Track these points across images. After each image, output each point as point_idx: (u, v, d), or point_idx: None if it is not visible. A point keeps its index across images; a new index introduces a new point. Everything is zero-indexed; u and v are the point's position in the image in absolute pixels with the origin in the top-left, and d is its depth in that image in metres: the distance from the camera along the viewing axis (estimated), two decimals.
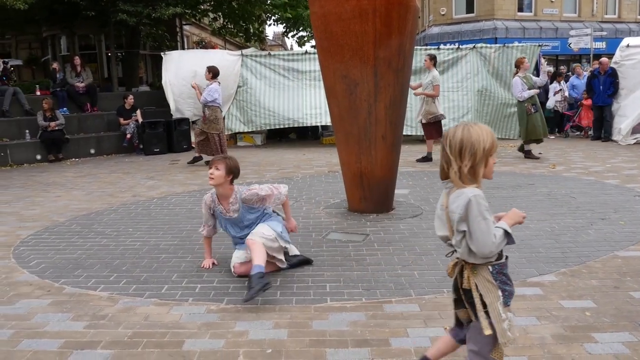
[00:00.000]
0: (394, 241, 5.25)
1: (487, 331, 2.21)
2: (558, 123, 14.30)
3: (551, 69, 17.81)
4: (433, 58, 10.22)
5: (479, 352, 2.31)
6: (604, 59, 12.16)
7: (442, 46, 13.54)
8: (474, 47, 12.88)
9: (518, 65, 9.78)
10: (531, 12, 25.78)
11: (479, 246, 2.12)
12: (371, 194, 6.27)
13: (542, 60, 12.52)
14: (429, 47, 14.94)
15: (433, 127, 9.94)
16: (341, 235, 5.55)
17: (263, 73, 13.03)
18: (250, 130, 13.26)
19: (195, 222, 6.09)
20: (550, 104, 14.22)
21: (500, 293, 2.23)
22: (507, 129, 13.08)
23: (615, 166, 8.95)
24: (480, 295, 2.21)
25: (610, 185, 7.51)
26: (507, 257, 2.32)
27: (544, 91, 13.33)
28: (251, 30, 19.19)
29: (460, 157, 2.13)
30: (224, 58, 13.19)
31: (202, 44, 24.39)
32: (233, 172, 4.32)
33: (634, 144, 11.48)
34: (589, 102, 12.78)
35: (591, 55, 17.73)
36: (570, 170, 8.75)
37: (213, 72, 10.14)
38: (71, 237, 5.75)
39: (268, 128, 13.39)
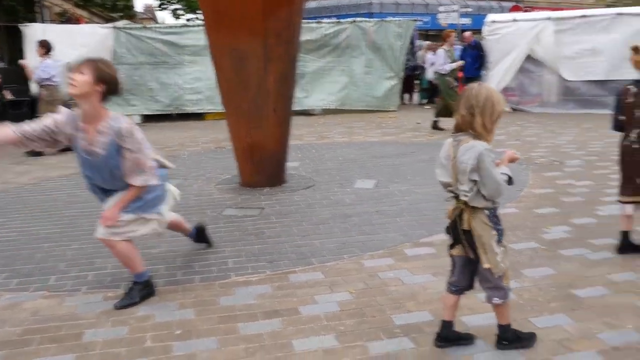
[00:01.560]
0: (290, 213, 5.30)
1: (486, 265, 2.57)
2: (433, 94, 15.10)
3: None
4: None
5: (495, 285, 2.65)
6: (466, 33, 13.01)
7: (323, 20, 13.68)
8: (354, 21, 13.16)
9: (445, 38, 10.04)
10: None
11: (492, 191, 2.45)
12: (263, 167, 6.25)
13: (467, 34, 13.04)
14: (308, 21, 14.99)
15: None
16: (237, 210, 5.49)
17: (137, 46, 12.32)
18: (129, 114, 12.56)
19: (78, 207, 5.72)
20: (428, 75, 14.96)
21: (494, 232, 2.56)
22: (387, 101, 13.59)
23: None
24: (478, 235, 2.53)
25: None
26: (498, 203, 2.61)
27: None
28: (118, 2, 18.05)
29: (484, 112, 2.43)
30: (95, 32, 12.32)
31: (65, 17, 22.53)
32: (106, 81, 3.12)
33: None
34: (461, 74, 13.61)
35: (459, 31, 18.86)
36: (447, 137, 9.29)
37: (46, 47, 9.18)
38: None
39: (148, 113, 12.71)
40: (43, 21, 19.16)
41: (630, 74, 3.90)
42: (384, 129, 10.55)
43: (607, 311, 3.16)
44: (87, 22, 20.61)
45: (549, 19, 11.60)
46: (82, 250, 4.43)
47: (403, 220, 4.97)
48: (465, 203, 2.54)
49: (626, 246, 3.98)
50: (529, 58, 12.03)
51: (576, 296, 3.37)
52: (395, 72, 13.48)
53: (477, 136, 2.46)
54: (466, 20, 24.38)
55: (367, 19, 13.53)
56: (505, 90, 12.55)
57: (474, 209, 2.53)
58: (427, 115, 12.64)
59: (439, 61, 9.78)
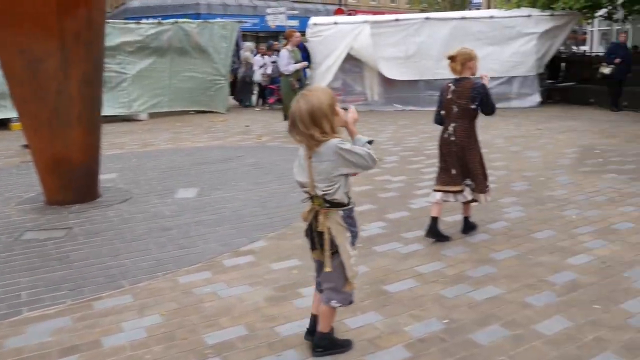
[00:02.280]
0: (101, 231, 4.84)
1: (328, 269, 2.54)
2: (261, 95, 15.16)
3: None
4: None
5: (335, 287, 2.62)
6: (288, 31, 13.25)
7: (143, 20, 12.96)
8: (176, 22, 12.67)
9: (287, 37, 9.51)
10: None
11: (365, 163, 2.44)
12: (71, 181, 5.66)
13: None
14: (128, 21, 14.17)
15: None
16: (38, 233, 4.88)
17: None
18: None
19: None
20: (256, 77, 14.96)
21: (348, 234, 2.55)
22: (214, 103, 13.33)
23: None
24: (332, 237, 2.50)
25: None
26: (354, 203, 2.61)
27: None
28: None
29: (315, 124, 2.36)
30: None
31: None
32: None
33: None
34: None
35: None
36: (275, 140, 9.34)
37: None
38: None
39: None
40: None
41: (442, 74, 4.20)
42: (212, 133, 10.29)
43: (414, 304, 3.29)
44: None
45: (366, 22, 12.22)
46: None
47: (223, 229, 4.79)
48: (320, 204, 2.50)
49: (433, 231, 4.27)
50: (353, 58, 12.56)
51: (387, 292, 3.47)
52: (222, 74, 13.25)
53: (320, 135, 2.39)
54: (294, 22, 24.96)
55: (191, 20, 13.10)
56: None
57: (329, 210, 2.50)
58: (256, 117, 12.64)
59: (282, 62, 9.31)
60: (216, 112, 13.26)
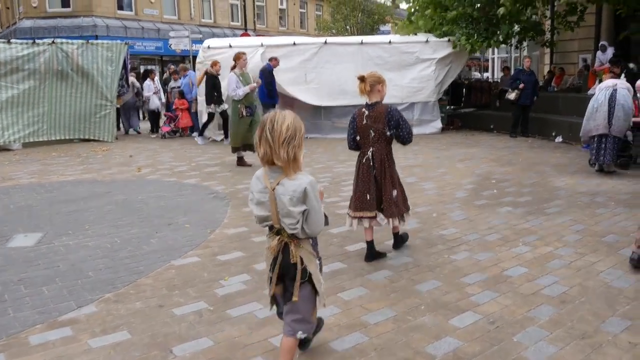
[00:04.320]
0: None
1: (295, 298, 2.47)
2: (156, 123, 14.22)
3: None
4: None
5: (304, 318, 2.55)
6: (181, 65, 12.54)
7: (13, 40, 11.63)
8: (53, 42, 11.46)
9: (235, 60, 8.58)
10: (132, 11, 25.35)
11: (315, 225, 2.37)
12: None
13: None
14: (23, 41, 12.68)
15: None
16: None
17: None
18: None
19: None
20: (152, 104, 14.01)
21: (317, 261, 2.54)
22: (100, 131, 12.20)
23: (200, 164, 9.03)
24: (304, 266, 2.46)
25: (188, 185, 7.40)
26: None
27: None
28: None
29: (288, 144, 2.28)
30: None
31: None
32: None
33: (222, 140, 12.00)
34: (185, 104, 12.95)
35: (191, 57, 18.27)
36: (156, 172, 8.41)
37: None
38: None
39: None
40: None
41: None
42: (88, 165, 9.19)
43: None
44: None
45: (261, 45, 11.61)
46: None
47: (51, 289, 3.87)
48: (290, 236, 2.42)
49: (372, 255, 4.31)
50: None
51: None
52: (108, 99, 12.13)
53: (285, 168, 2.33)
54: (199, 47, 24.10)
55: (70, 41, 11.91)
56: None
57: (299, 240, 2.45)
58: (144, 146, 11.62)
59: (230, 86, 8.36)
60: (102, 141, 12.11)
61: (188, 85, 13.06)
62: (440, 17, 12.39)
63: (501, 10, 11.20)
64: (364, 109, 4.20)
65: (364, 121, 4.17)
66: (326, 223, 2.47)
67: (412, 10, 13.81)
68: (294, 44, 11.90)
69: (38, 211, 6.09)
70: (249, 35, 22.36)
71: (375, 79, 4.15)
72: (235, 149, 8.63)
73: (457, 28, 12.12)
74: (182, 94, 13.12)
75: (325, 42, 12.12)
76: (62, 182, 7.75)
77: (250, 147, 8.24)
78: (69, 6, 23.83)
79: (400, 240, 4.60)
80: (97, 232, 5.22)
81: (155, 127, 14.15)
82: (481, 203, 6.08)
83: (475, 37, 11.89)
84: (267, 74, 10.47)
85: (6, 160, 9.98)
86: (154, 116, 14.39)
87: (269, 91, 10.56)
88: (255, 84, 8.55)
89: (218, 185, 7.29)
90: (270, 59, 10.83)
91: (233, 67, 8.59)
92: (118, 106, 13.18)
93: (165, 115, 13.73)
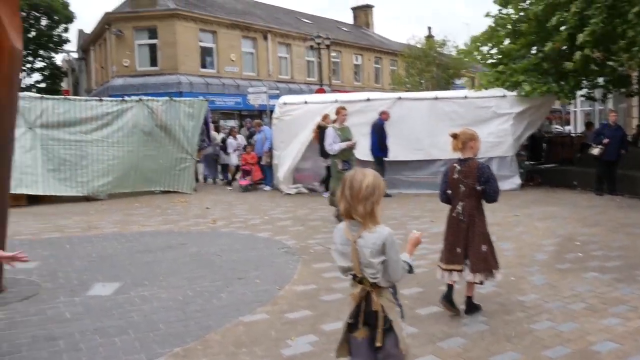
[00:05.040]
0: None
1: (378, 343, 2.51)
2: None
3: None
4: None
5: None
6: (255, 121, 12.97)
7: (104, 98, 12.55)
8: (140, 99, 12.24)
9: (336, 114, 8.65)
10: (214, 69, 26.76)
11: (394, 274, 2.51)
12: None
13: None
14: (108, 98, 13.70)
15: None
16: None
17: None
18: None
19: None
20: (232, 160, 14.53)
21: (398, 309, 2.59)
22: (180, 183, 12.71)
23: (273, 217, 9.14)
24: (385, 314, 2.52)
25: (261, 238, 7.48)
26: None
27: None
28: None
29: (366, 200, 2.43)
30: None
31: None
32: None
33: (296, 193, 12.17)
34: (255, 158, 13.33)
35: (268, 111, 18.92)
36: (230, 224, 8.58)
37: None
38: None
39: None
40: None
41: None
42: (167, 216, 9.54)
43: None
44: None
45: (336, 101, 11.81)
46: None
47: (124, 340, 3.95)
48: (372, 285, 2.52)
49: (447, 298, 4.32)
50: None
51: None
52: (188, 152, 12.70)
53: (364, 221, 2.46)
54: (277, 102, 24.94)
55: (155, 98, 12.68)
56: (298, 171, 12.42)
57: (380, 289, 2.54)
58: (220, 198, 11.96)
59: (327, 140, 8.34)
60: (181, 192, 12.59)
61: (261, 140, 13.46)
62: (510, 69, 12.12)
63: (569, 66, 10.84)
64: (456, 164, 4.35)
65: (455, 175, 4.31)
66: (411, 271, 2.61)
67: (484, 62, 13.63)
68: (368, 99, 12.03)
69: (118, 261, 6.33)
70: (324, 90, 22.88)
71: (468, 136, 4.31)
72: (333, 203, 8.35)
73: (526, 78, 11.77)
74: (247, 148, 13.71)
75: (399, 97, 12.18)
76: (141, 233, 8.06)
77: None
78: (156, 65, 25.53)
79: (473, 307, 4.41)
80: (171, 284, 5.33)
81: (230, 179, 14.60)
82: (564, 267, 5.71)
83: (545, 88, 11.49)
84: (378, 129, 10.87)
85: (93, 209, 10.55)
86: (228, 169, 14.92)
87: (380, 145, 10.85)
88: (353, 142, 8.42)
89: (289, 239, 7.31)
90: (381, 113, 11.14)
91: (334, 121, 8.62)
92: (198, 160, 13.75)
93: (242, 170, 14.15)
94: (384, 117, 11.09)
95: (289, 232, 7.82)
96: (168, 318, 4.39)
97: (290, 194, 12.14)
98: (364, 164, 11.73)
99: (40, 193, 10.97)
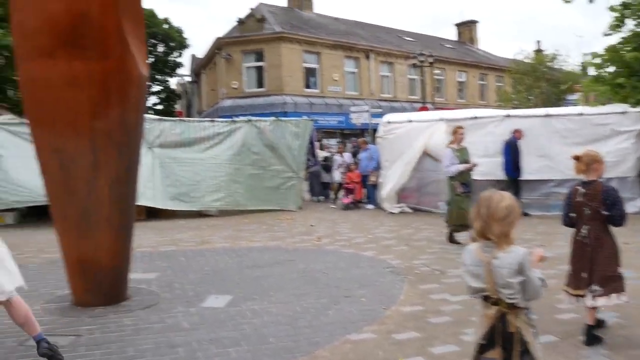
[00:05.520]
0: (107, 342, 4.35)
1: None
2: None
3: None
4: None
5: None
6: (360, 139, 13.07)
7: (216, 119, 13.31)
8: (249, 120, 12.82)
9: (452, 133, 8.26)
10: (317, 89, 27.43)
11: (535, 293, 2.54)
12: (96, 285, 5.32)
13: None
14: (219, 119, 14.57)
15: None
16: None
17: (15, 143, 11.34)
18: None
19: None
20: (336, 177, 14.78)
21: (533, 330, 2.60)
22: (286, 201, 13.06)
23: (377, 237, 9.15)
24: (522, 336, 2.54)
25: (365, 257, 7.50)
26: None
27: None
28: (12, 97, 17.17)
29: (503, 220, 2.50)
30: None
31: None
32: None
33: (400, 213, 12.10)
34: (358, 177, 13.45)
35: (370, 130, 19.08)
36: (334, 242, 8.70)
37: None
38: None
39: (18, 207, 11.59)
40: None
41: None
42: (274, 232, 9.85)
43: None
44: None
45: (441, 119, 11.65)
46: None
47: (237, 352, 4.12)
48: (509, 306, 2.55)
49: (591, 338, 4.10)
50: (429, 157, 11.92)
51: None
52: (294, 171, 13.06)
53: (499, 242, 2.52)
54: (379, 120, 25.02)
55: (262, 119, 13.22)
56: (403, 191, 12.33)
57: (517, 310, 2.56)
58: (324, 216, 12.15)
59: (444, 162, 8.07)
60: (287, 210, 12.93)
61: (366, 159, 13.55)
62: (633, 85, 11.26)
63: None
64: (579, 186, 4.25)
65: (579, 198, 4.21)
66: (544, 285, 2.58)
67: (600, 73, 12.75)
68: (475, 117, 11.75)
69: (228, 275, 6.62)
70: (427, 108, 22.67)
71: (592, 158, 4.21)
72: (452, 228, 8.13)
73: None
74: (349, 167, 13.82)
75: (507, 115, 11.78)
76: (250, 248, 8.39)
77: (464, 226, 7.72)
78: (263, 86, 26.61)
79: (594, 339, 4.13)
80: (279, 299, 5.49)
81: (332, 197, 14.82)
82: None
83: None
84: (512, 147, 10.69)
85: (205, 224, 11.14)
86: (330, 186, 15.17)
87: (514, 164, 10.67)
88: (472, 164, 8.11)
89: (394, 259, 7.28)
90: (514, 131, 10.95)
91: (451, 142, 8.23)
92: (304, 178, 14.11)
93: (345, 188, 14.30)
94: (517, 135, 10.81)
95: (393, 252, 7.78)
96: (278, 332, 4.52)
97: (393, 213, 12.09)
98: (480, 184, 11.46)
99: (159, 207, 11.74)
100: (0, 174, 11.19)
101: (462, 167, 7.94)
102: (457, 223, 7.97)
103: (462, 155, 8.05)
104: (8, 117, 13.72)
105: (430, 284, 5.96)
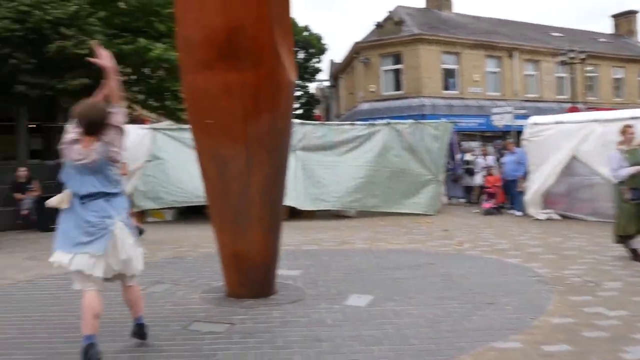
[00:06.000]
0: (258, 332, 4.66)
1: None
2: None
3: None
4: None
5: None
6: (507, 141, 12.53)
7: (356, 122, 13.56)
8: (388, 123, 12.90)
9: (622, 134, 7.51)
10: (456, 90, 26.76)
11: None
12: (248, 278, 5.71)
13: None
14: (358, 122, 14.90)
15: None
16: (203, 325, 4.91)
17: (174, 146, 12.53)
18: (157, 207, 12.58)
19: (45, 310, 5.34)
20: (477, 180, 14.38)
21: None
22: (424, 205, 12.94)
23: (521, 243, 8.74)
24: None
25: (510, 264, 7.21)
26: None
27: None
28: (171, 106, 18.90)
29: None
30: (132, 132, 12.65)
31: (130, 117, 23.68)
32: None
33: (547, 219, 11.44)
34: (499, 181, 12.93)
35: (513, 132, 18.25)
36: (476, 248, 8.46)
37: None
38: None
39: (176, 206, 12.76)
40: None
41: None
42: (413, 235, 9.81)
43: None
44: (152, 122, 21.48)
45: (595, 120, 10.80)
46: None
47: (379, 350, 4.20)
48: None
49: None
50: (580, 161, 11.12)
51: None
52: (433, 174, 12.89)
53: None
54: (523, 122, 23.78)
55: (402, 121, 13.23)
56: (550, 195, 11.62)
57: None
58: (466, 221, 11.84)
59: (612, 165, 7.42)
60: (425, 214, 12.80)
61: (512, 163, 12.97)
62: None
63: None
64: None
65: None
66: None
67: None
68: (635, 117, 10.71)
69: (369, 275, 6.74)
70: (577, 109, 21.13)
71: None
72: (619, 239, 7.42)
73: None
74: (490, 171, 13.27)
75: None
76: (389, 250, 8.45)
77: (630, 237, 7.20)
78: (400, 89, 26.55)
79: None
80: (420, 302, 5.48)
81: (473, 201, 14.41)
82: None
83: None
84: None
85: (343, 226, 11.42)
86: (471, 190, 14.72)
87: None
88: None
89: (541, 267, 6.91)
90: None
91: (620, 143, 7.47)
92: (444, 181, 13.89)
93: (485, 192, 13.83)
94: None
95: (540, 260, 7.39)
96: (419, 334, 4.52)
97: (539, 219, 11.45)
98: None
99: (301, 208, 12.25)
100: (162, 176, 12.38)
101: (633, 169, 7.14)
102: (624, 233, 7.27)
103: (633, 157, 7.24)
104: (167, 123, 15.18)
105: (582, 295, 5.58)
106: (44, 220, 11.68)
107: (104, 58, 4.26)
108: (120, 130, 4.11)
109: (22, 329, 4.83)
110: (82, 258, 3.86)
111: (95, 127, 3.96)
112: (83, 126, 3.97)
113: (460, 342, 4.33)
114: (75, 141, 3.99)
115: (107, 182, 4.03)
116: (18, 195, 12.12)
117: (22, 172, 12.50)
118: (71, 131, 4.08)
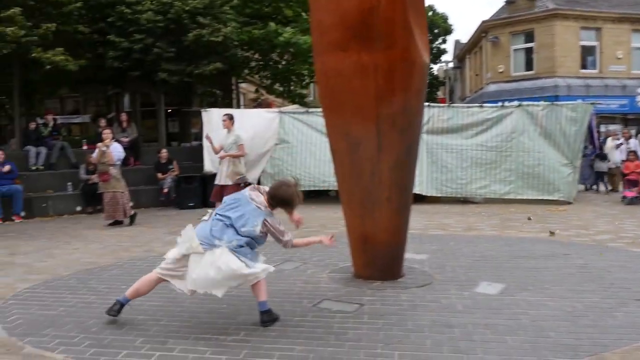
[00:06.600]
0: (387, 314, 4.71)
1: None
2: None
3: None
4: (231, 118, 10.73)
5: None
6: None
7: (485, 105, 13.01)
8: (520, 105, 12.24)
9: None
10: (595, 69, 24.72)
11: None
12: (375, 259, 5.77)
13: None
14: (487, 104, 14.38)
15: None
16: (333, 303, 5.05)
17: (301, 130, 12.87)
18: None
19: None
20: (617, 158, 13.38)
21: None
22: (559, 191, 12.16)
23: None
24: None
25: None
26: None
27: None
28: (295, 90, 19.40)
29: None
30: (260, 116, 13.21)
31: (257, 102, 24.75)
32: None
33: None
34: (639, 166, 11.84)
35: None
36: (618, 239, 7.84)
37: (232, 119, 10.97)
38: (62, 293, 5.57)
39: (303, 189, 13.10)
40: (239, 106, 21.33)
41: None
42: (545, 224, 9.30)
43: None
44: (278, 107, 22.30)
45: None
46: (165, 328, 4.36)
47: (513, 340, 4.06)
48: None
49: None
50: None
51: None
52: (569, 159, 12.05)
53: None
54: None
55: (535, 103, 12.47)
56: None
57: None
58: (605, 210, 10.98)
59: None
60: (558, 201, 12.06)
61: None
62: None
63: None
64: None
65: None
66: None
67: None
68: None
69: (499, 263, 6.52)
70: None
71: None
72: None
73: None
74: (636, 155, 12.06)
75: None
76: (520, 238, 8.10)
77: None
78: (532, 69, 25.07)
79: None
80: (556, 293, 5.21)
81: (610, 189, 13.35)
82: None
83: None
84: None
85: (469, 211, 11.10)
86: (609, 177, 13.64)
87: None
88: None
89: None
90: None
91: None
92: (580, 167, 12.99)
93: (626, 180, 12.72)
94: None
95: None
96: (557, 327, 4.31)
97: None
98: None
99: (424, 193, 12.09)
100: (289, 159, 12.78)
101: None
102: None
103: None
104: (294, 107, 15.62)
105: None
106: (182, 199, 12.63)
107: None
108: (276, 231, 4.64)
109: (168, 298, 5.27)
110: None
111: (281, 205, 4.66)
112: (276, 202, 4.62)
113: (604, 339, 4.06)
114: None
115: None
116: (160, 175, 13.17)
117: (163, 153, 13.57)
118: None
